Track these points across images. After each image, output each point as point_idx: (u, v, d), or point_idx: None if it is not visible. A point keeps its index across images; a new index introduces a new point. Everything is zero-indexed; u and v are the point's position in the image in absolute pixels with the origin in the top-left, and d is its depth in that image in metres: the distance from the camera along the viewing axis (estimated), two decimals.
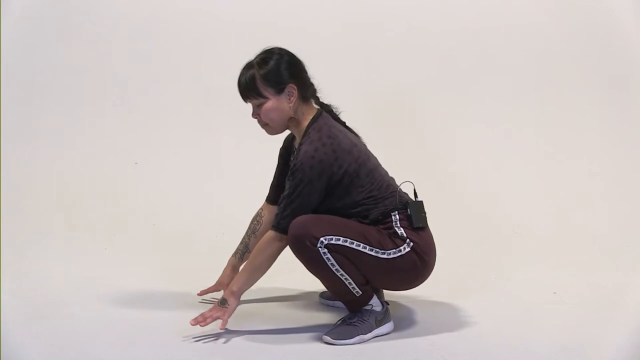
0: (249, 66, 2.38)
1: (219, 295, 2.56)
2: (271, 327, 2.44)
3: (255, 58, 2.40)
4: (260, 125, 2.43)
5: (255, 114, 2.39)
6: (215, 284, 2.68)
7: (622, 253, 3.34)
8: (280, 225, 2.30)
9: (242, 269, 2.41)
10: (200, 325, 2.31)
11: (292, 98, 2.37)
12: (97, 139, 4.01)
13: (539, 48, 3.96)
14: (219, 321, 2.34)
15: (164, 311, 2.59)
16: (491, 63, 3.99)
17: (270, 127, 2.40)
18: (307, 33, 3.96)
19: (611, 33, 3.87)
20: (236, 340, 2.32)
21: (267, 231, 2.53)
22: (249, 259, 2.40)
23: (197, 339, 2.32)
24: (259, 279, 2.37)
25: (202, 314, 2.34)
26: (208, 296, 2.71)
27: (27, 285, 2.86)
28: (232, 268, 2.67)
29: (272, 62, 2.37)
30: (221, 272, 2.70)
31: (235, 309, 2.35)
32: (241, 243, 2.69)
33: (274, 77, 2.35)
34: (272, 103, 2.35)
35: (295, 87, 2.37)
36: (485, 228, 3.57)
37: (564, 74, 3.94)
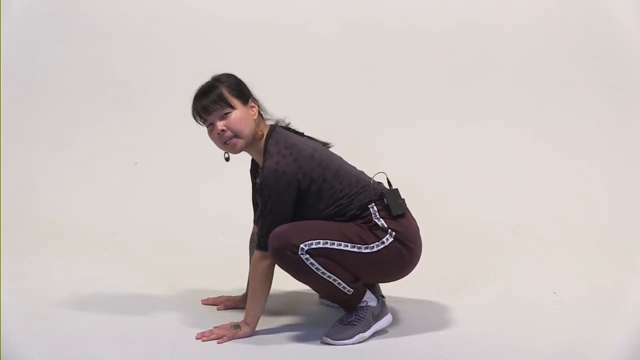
0: (208, 85, 2.36)
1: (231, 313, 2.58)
2: (271, 327, 2.44)
3: (209, 80, 2.38)
4: (225, 140, 2.33)
5: (221, 127, 2.31)
6: (222, 297, 2.68)
7: (622, 253, 3.33)
8: (261, 244, 2.30)
9: (248, 298, 2.39)
10: (202, 340, 2.30)
11: (254, 110, 2.37)
12: (97, 139, 4.01)
13: (539, 48, 3.96)
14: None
15: (164, 311, 2.59)
16: (491, 63, 3.99)
17: (238, 140, 2.33)
18: (307, 33, 3.96)
19: (611, 33, 3.87)
20: (236, 340, 2.32)
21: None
22: (248, 285, 2.39)
23: (197, 338, 2.32)
24: (265, 298, 2.36)
25: (210, 330, 2.35)
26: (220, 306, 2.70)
27: (27, 285, 2.86)
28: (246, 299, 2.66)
29: (230, 78, 2.38)
30: (220, 272, 2.70)
31: (244, 337, 2.34)
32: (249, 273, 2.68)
33: (239, 88, 2.36)
34: (240, 112, 2.33)
35: (256, 101, 2.39)
36: (485, 228, 3.57)
37: (564, 73, 3.94)
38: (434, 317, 2.55)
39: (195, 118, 2.37)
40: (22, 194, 3.81)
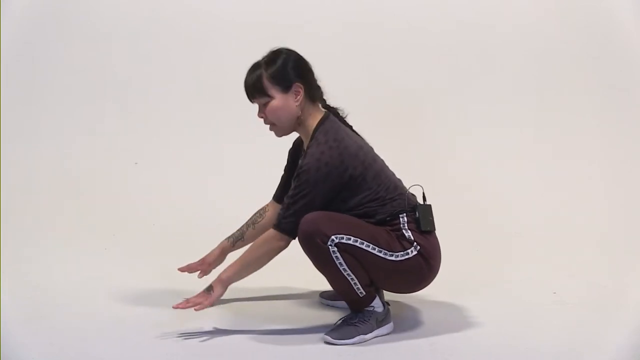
0: (255, 66, 2.38)
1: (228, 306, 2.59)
2: (271, 327, 2.43)
3: (263, 58, 2.40)
4: (267, 124, 2.41)
5: (262, 114, 2.38)
6: (199, 262, 2.68)
7: (622, 253, 3.33)
8: (281, 225, 2.30)
9: (237, 260, 2.38)
10: (180, 308, 2.32)
11: (298, 97, 2.36)
12: (97, 139, 4.01)
13: (539, 48, 3.96)
14: (216, 322, 2.35)
15: (164, 311, 2.58)
16: (491, 63, 3.99)
17: (278, 127, 2.39)
18: (307, 33, 3.96)
19: (611, 33, 3.87)
20: (236, 340, 2.32)
21: (266, 226, 2.55)
22: (245, 252, 2.38)
23: (197, 339, 2.32)
24: (251, 273, 2.36)
25: (186, 300, 2.35)
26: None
27: (27, 285, 2.86)
28: (221, 250, 2.67)
29: (279, 61, 2.37)
30: (220, 272, 2.70)
31: (219, 298, 2.34)
32: (238, 230, 2.68)
33: (281, 75, 2.35)
34: (277, 102, 2.34)
35: (301, 86, 2.37)
36: (485, 228, 3.57)
37: (564, 74, 3.95)
38: (435, 317, 2.55)
39: None
40: (22, 194, 3.81)
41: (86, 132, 4.02)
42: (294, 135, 2.51)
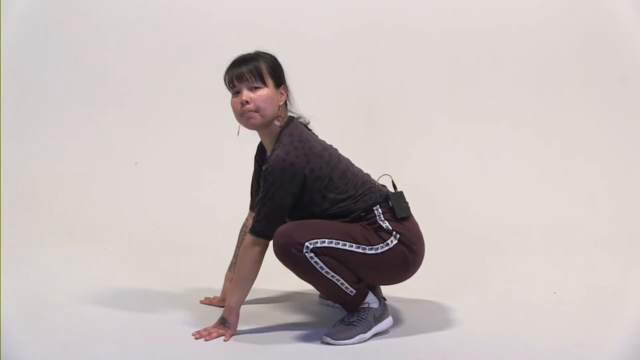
0: (251, 54, 2.39)
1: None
2: (271, 327, 2.44)
3: (254, 52, 2.40)
4: (244, 112, 2.32)
5: (246, 97, 2.31)
6: (219, 300, 2.68)
7: (622, 253, 3.34)
8: (255, 229, 2.29)
9: (233, 281, 2.40)
10: (205, 340, 2.31)
11: (283, 98, 2.39)
12: (97, 139, 4.02)
13: (539, 48, 3.97)
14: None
15: (164, 311, 2.59)
16: (492, 63, 3.99)
17: (258, 116, 2.33)
18: (306, 33, 3.96)
19: (611, 33, 3.87)
20: (236, 340, 2.32)
21: None
22: (236, 268, 2.39)
23: (196, 338, 2.32)
24: (251, 286, 2.36)
25: (206, 329, 2.35)
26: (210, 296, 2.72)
27: (27, 285, 2.86)
28: (230, 282, 2.66)
29: (274, 60, 2.40)
30: (220, 272, 2.71)
31: (237, 325, 2.36)
32: (234, 256, 2.69)
33: (277, 72, 2.39)
34: (269, 92, 2.34)
35: (287, 89, 2.41)
36: (484, 228, 3.57)
37: (564, 73, 3.95)
38: (434, 317, 2.55)
39: (225, 82, 2.39)
40: (22, 194, 3.81)
41: (86, 132, 4.02)
42: (257, 139, 2.49)
